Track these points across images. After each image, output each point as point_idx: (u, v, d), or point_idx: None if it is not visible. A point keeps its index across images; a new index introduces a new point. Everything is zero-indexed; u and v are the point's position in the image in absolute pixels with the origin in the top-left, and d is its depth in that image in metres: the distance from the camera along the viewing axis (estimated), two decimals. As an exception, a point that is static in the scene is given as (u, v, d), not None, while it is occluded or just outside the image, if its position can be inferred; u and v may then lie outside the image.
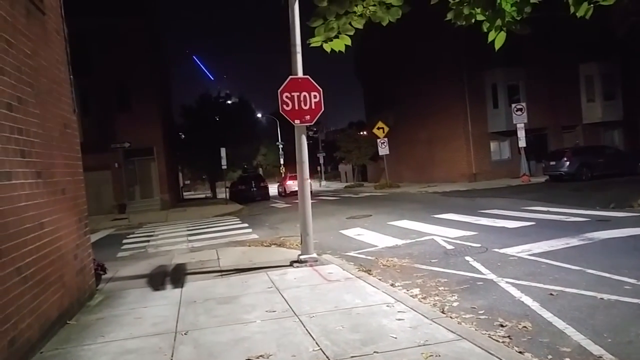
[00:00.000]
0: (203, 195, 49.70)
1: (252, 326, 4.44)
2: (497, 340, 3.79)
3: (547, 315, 4.35)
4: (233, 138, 34.62)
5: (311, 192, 8.74)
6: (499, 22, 4.02)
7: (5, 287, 3.71)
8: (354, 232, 10.65)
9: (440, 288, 5.58)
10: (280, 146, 46.95)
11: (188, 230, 14.80)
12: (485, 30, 4.17)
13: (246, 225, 14.78)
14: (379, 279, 6.02)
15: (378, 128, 26.63)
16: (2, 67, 4.11)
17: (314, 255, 7.28)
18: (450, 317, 4.42)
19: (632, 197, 11.10)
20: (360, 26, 4.37)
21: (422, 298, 5.20)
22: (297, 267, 7.02)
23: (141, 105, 24.94)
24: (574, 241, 7.40)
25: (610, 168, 19.92)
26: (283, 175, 39.16)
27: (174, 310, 5.20)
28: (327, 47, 4.46)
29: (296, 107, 7.18)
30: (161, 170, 26.26)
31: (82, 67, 11.67)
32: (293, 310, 4.83)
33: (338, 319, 4.45)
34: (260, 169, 61.21)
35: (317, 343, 3.85)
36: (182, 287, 6.37)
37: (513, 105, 22.89)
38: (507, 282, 5.52)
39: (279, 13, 7.78)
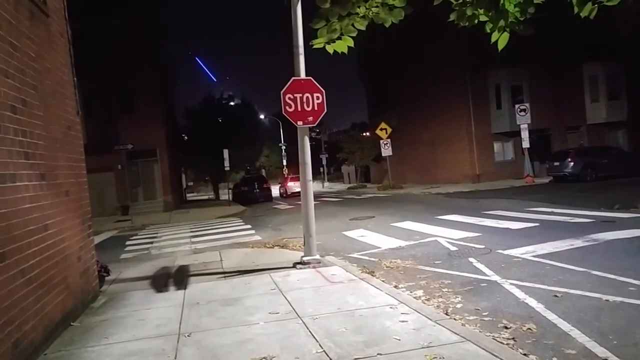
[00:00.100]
0: (206, 197, 49.78)
1: (256, 328, 4.43)
2: (501, 342, 3.77)
3: (552, 317, 4.32)
4: (236, 139, 34.70)
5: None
6: (502, 22, 4.01)
7: (9, 289, 3.72)
8: (357, 234, 10.63)
9: (443, 289, 5.57)
10: (283, 147, 47.00)
11: (191, 231, 14.82)
12: (488, 30, 4.16)
13: (249, 226, 14.78)
14: (383, 281, 6.01)
15: (381, 129, 26.61)
16: (7, 70, 4.13)
17: (317, 256, 7.27)
18: (454, 319, 4.41)
19: (637, 198, 11.04)
20: (362, 27, 4.37)
21: (425, 300, 5.19)
22: (300, 268, 7.02)
23: (144, 107, 25.00)
24: (578, 242, 7.36)
25: (615, 169, 19.83)
26: (285, 176, 39.20)
27: (177, 312, 5.20)
28: (330, 49, 4.46)
29: (299, 109, 7.18)
30: (164, 172, 26.31)
31: (85, 69, 11.69)
32: (296, 312, 4.82)
33: (341, 320, 4.44)
34: (263, 171, 61.30)
35: (320, 345, 3.85)
36: (185, 288, 6.38)
37: (516, 106, 22.84)
38: (511, 284, 5.50)
39: (282, 14, 7.78)
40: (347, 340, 3.90)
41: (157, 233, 15.33)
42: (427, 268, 6.74)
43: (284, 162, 44.95)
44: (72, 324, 5.04)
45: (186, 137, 40.54)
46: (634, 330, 3.86)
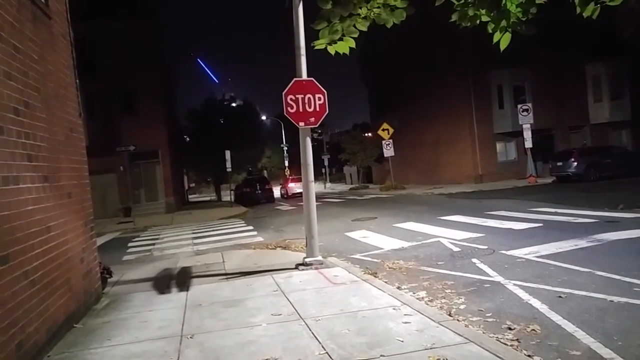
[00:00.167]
0: (208, 198, 49.83)
1: (258, 330, 4.43)
2: (505, 344, 3.75)
3: (556, 318, 4.30)
4: (238, 141, 34.70)
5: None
6: (504, 23, 3.99)
7: (12, 291, 3.73)
8: (359, 235, 10.62)
9: (447, 291, 5.55)
10: (285, 148, 47.02)
11: (193, 233, 14.83)
12: (491, 31, 4.14)
13: (251, 227, 14.79)
14: (385, 282, 6.00)
15: (383, 130, 26.59)
16: (9, 72, 4.13)
17: (320, 258, 7.26)
18: (458, 320, 4.39)
19: (640, 197, 11.00)
20: (364, 28, 4.36)
21: (428, 301, 5.17)
22: (303, 270, 7.01)
23: (146, 109, 25.06)
24: (582, 243, 7.34)
25: (618, 168, 19.75)
26: (285, 177, 39.24)
27: (179, 314, 5.20)
28: (332, 50, 4.45)
29: (300, 110, 7.17)
30: (166, 173, 26.36)
31: (87, 71, 11.73)
32: (299, 314, 4.81)
33: (344, 322, 4.43)
34: (265, 172, 61.34)
35: (323, 347, 3.84)
36: (187, 290, 6.38)
37: (519, 106, 22.80)
38: (514, 285, 5.48)
39: (283, 14, 7.78)
40: (350, 342, 3.89)
41: (159, 235, 15.34)
42: (430, 269, 6.72)
43: (286, 163, 45.00)
44: (75, 325, 5.05)
45: (188, 139, 40.59)
46: (639, 331, 3.84)
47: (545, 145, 25.21)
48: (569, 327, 4.06)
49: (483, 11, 4.07)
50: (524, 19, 4.00)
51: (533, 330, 4.06)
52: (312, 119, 7.24)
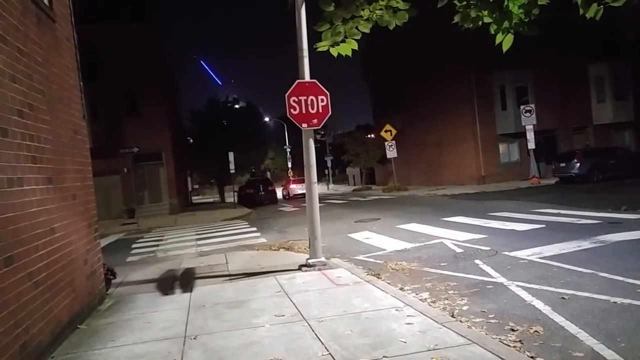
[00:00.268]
0: (211, 200, 49.90)
1: (261, 330, 4.44)
2: (508, 345, 3.75)
3: (559, 319, 4.30)
4: (241, 142, 34.77)
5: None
6: (506, 24, 4.00)
7: (17, 292, 3.75)
8: (362, 236, 10.62)
9: (449, 292, 5.55)
10: (288, 150, 47.03)
11: (197, 234, 14.86)
12: (493, 32, 4.15)
13: (254, 229, 14.81)
14: (388, 283, 6.00)
15: (386, 131, 26.59)
16: (14, 75, 4.16)
17: (323, 259, 7.27)
18: (460, 321, 4.39)
19: (644, 198, 10.97)
20: (367, 30, 4.37)
21: (431, 302, 5.17)
22: (306, 271, 7.02)
23: (150, 110, 25.14)
24: (585, 244, 7.32)
25: (622, 169, 19.68)
26: (288, 178, 39.29)
27: (183, 315, 5.22)
28: (334, 52, 4.47)
29: (303, 111, 7.18)
30: (170, 175, 26.42)
31: (90, 73, 11.80)
32: (302, 315, 4.82)
33: (347, 323, 4.43)
34: (268, 173, 61.35)
35: (326, 348, 3.84)
36: (191, 291, 6.39)
37: (522, 107, 22.76)
38: (517, 286, 5.47)
39: (286, 16, 7.80)
40: (353, 343, 3.90)
41: (163, 236, 15.38)
42: (433, 270, 6.72)
43: (289, 165, 44.99)
44: (79, 326, 5.07)
45: (191, 140, 40.68)
46: (642, 333, 3.83)
47: (548, 146, 25.16)
48: (572, 328, 4.06)
49: (485, 12, 4.08)
50: (526, 20, 4.00)
51: (536, 331, 4.06)
52: (315, 121, 7.25)
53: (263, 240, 11.91)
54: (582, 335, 3.88)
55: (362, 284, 5.94)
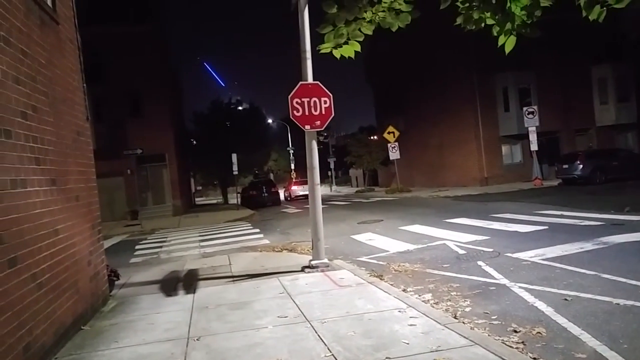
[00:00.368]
0: (215, 201, 49.97)
1: (264, 332, 4.45)
2: (510, 346, 3.75)
3: (562, 320, 4.29)
4: (244, 144, 34.82)
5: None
6: (509, 25, 4.00)
7: (20, 294, 3.77)
8: (365, 237, 10.62)
9: (452, 293, 5.54)
10: (291, 151, 47.08)
11: (200, 235, 14.88)
12: (495, 34, 4.15)
13: (257, 230, 14.82)
14: (391, 285, 6.00)
15: (389, 132, 26.58)
16: (17, 77, 4.19)
17: (326, 260, 7.27)
18: (463, 323, 4.38)
19: (648, 200, 10.93)
20: (369, 32, 4.38)
21: (434, 303, 5.17)
22: (309, 272, 7.02)
23: (153, 112, 25.18)
24: (588, 245, 7.30)
25: (625, 171, 19.62)
26: (290, 180, 39.33)
27: (186, 316, 5.23)
28: (337, 54, 4.47)
29: (306, 113, 7.20)
30: (173, 177, 26.46)
31: (94, 75, 11.81)
32: (305, 316, 4.83)
33: (350, 324, 4.44)
34: (272, 174, 61.39)
35: (329, 349, 3.85)
36: (194, 292, 6.41)
37: (524, 109, 22.71)
38: (520, 287, 5.47)
39: (289, 18, 7.81)
40: (356, 344, 3.90)
41: (166, 237, 15.41)
42: (436, 272, 6.72)
43: (292, 166, 45.02)
44: (82, 327, 5.08)
45: (195, 142, 40.77)
46: (646, 334, 3.82)
47: (551, 148, 25.12)
48: (575, 330, 4.05)
49: (488, 14, 4.08)
50: (528, 22, 4.00)
51: (539, 333, 4.05)
52: (318, 122, 7.26)
53: (266, 241, 11.93)
54: (585, 337, 3.88)
55: (365, 285, 5.94)
